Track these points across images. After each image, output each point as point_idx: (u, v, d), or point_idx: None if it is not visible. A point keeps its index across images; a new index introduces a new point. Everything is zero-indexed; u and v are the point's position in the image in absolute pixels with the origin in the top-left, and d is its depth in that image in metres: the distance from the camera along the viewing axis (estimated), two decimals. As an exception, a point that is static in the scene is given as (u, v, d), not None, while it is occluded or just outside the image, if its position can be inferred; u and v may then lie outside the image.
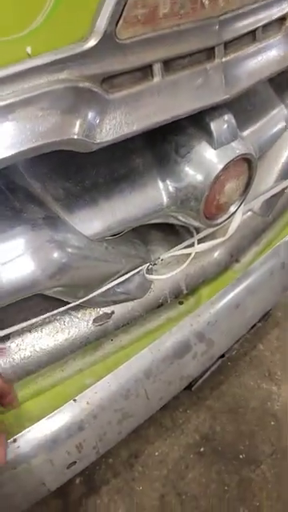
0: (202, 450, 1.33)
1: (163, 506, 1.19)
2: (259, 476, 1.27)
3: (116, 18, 0.45)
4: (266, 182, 0.96)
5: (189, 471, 1.28)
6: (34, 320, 0.63)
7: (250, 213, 0.94)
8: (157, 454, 1.31)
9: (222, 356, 0.88)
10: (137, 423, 0.72)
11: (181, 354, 0.74)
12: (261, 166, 0.95)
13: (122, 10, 0.44)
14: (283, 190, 0.96)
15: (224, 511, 1.19)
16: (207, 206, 0.68)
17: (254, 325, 0.95)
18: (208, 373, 0.87)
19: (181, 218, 0.72)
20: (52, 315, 0.64)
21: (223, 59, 0.58)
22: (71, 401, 0.60)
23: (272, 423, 1.41)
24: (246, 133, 0.79)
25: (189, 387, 0.83)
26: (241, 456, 1.32)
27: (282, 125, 0.86)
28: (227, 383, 1.52)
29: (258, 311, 0.91)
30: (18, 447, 0.56)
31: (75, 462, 0.62)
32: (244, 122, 0.79)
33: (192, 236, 0.81)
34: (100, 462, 1.26)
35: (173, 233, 0.85)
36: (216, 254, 0.87)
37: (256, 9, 0.58)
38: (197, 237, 0.79)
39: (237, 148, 0.66)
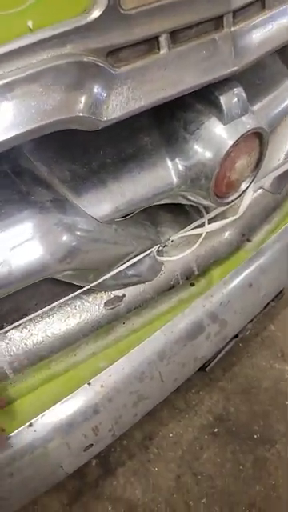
0: (216, 430, 1.33)
1: (179, 486, 1.20)
2: (274, 455, 1.28)
3: (119, -14, 0.43)
4: (277, 158, 0.94)
5: (204, 452, 1.28)
6: (46, 308, 0.63)
7: (260, 190, 0.92)
8: (171, 435, 1.32)
9: (236, 336, 0.87)
10: (152, 405, 0.72)
11: (194, 336, 0.73)
12: (270, 142, 0.92)
13: (126, -23, 0.42)
14: (294, 166, 0.93)
15: (240, 490, 1.20)
16: (218, 183, 0.66)
17: (267, 304, 0.94)
18: (222, 353, 0.87)
19: (191, 197, 0.71)
20: (64, 300, 0.64)
21: (232, 29, 0.55)
22: (85, 384, 0.60)
23: (286, 403, 1.40)
24: (255, 108, 0.76)
25: (203, 368, 0.82)
26: (255, 436, 1.32)
27: (293, 98, 0.83)
28: (239, 364, 1.52)
29: (272, 290, 0.90)
30: (35, 431, 0.56)
31: (92, 445, 0.62)
32: (253, 97, 0.77)
33: (202, 216, 0.79)
34: (115, 444, 1.27)
35: (182, 213, 0.83)
36: (227, 234, 0.86)
37: (265, -27, 0.55)
38: (207, 217, 0.78)
39: (247, 122, 0.64)
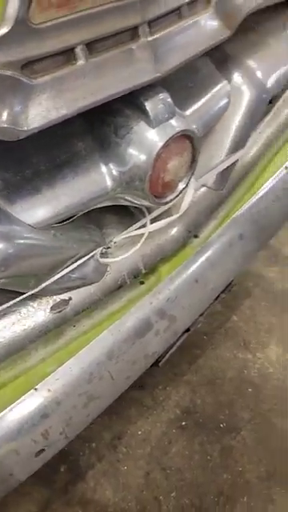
0: (183, 423, 1.36)
1: (148, 482, 1.22)
2: (240, 442, 1.32)
3: (26, 2, 0.44)
4: (218, 155, 0.97)
5: (172, 446, 1.31)
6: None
7: (204, 188, 0.95)
8: (140, 433, 1.34)
9: (188, 330, 0.90)
10: (106, 404, 0.73)
11: (142, 333, 0.75)
12: (211, 140, 0.96)
13: (32, -7, 0.44)
14: (234, 162, 0.97)
15: (208, 480, 1.23)
16: (152, 185, 0.68)
17: (218, 297, 0.97)
18: (174, 347, 0.89)
19: (130, 199, 0.73)
20: (7, 307, 0.64)
21: (149, 38, 0.57)
22: (32, 390, 0.61)
23: (249, 390, 1.45)
24: (188, 110, 0.79)
25: (156, 363, 0.84)
26: (221, 425, 1.37)
27: (225, 101, 0.86)
28: (204, 356, 1.56)
29: (220, 283, 0.93)
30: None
31: (43, 450, 0.63)
32: (186, 100, 0.79)
33: (145, 217, 0.81)
34: (83, 447, 1.28)
35: (128, 214, 0.85)
36: (173, 232, 0.88)
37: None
38: (149, 217, 0.80)
39: (175, 125, 0.67)
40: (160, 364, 0.85)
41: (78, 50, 0.51)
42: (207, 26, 0.67)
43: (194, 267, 0.86)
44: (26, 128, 0.49)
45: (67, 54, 0.51)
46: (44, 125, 0.50)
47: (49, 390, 0.62)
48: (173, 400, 1.41)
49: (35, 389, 0.61)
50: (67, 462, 1.23)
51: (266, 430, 1.35)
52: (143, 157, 0.65)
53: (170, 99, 0.65)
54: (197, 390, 1.45)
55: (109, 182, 0.67)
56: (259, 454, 1.29)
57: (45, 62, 0.49)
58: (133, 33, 0.56)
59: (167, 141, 0.65)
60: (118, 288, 0.80)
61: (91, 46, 0.52)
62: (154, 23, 0.57)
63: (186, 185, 0.76)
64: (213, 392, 1.44)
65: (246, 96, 0.94)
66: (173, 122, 0.67)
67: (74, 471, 1.22)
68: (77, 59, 0.51)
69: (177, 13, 0.61)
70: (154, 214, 0.82)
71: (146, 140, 0.65)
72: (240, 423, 1.36)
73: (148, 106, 0.63)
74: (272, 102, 1.13)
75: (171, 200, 0.75)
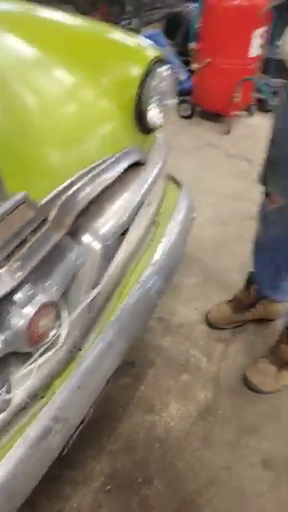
0: (108, 488, 1.69)
1: None
2: (153, 490, 1.67)
3: None
4: (84, 291, 1.38)
5: (102, 509, 1.63)
6: None
7: (78, 314, 1.35)
8: (75, 505, 1.64)
9: (82, 422, 1.26)
10: (25, 495, 1.06)
11: (44, 436, 1.10)
12: (78, 280, 1.38)
13: None
14: (96, 295, 1.39)
15: (132, 528, 1.56)
16: (30, 339, 1.07)
17: (101, 392, 1.35)
18: (74, 436, 1.25)
19: (19, 349, 1.10)
20: None
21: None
22: None
23: (157, 445, 1.82)
24: (51, 278, 1.20)
25: (61, 452, 1.19)
26: (138, 480, 1.71)
27: (80, 260, 1.28)
28: (121, 427, 1.91)
29: (98, 385, 1.31)
30: None
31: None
32: (49, 271, 1.20)
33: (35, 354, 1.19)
34: (30, 530, 1.55)
35: (26, 354, 1.22)
36: (59, 355, 1.26)
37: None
38: (37, 354, 1.17)
39: (39, 299, 1.06)
40: (64, 452, 1.20)
41: None
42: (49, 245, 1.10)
43: (76, 377, 1.24)
44: None
45: None
46: None
47: (-20, 496, 0.95)
48: (97, 470, 1.74)
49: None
50: None
51: (173, 474, 1.71)
52: (20, 324, 1.04)
53: (31, 288, 1.06)
54: (117, 456, 1.79)
55: (1, 345, 1.05)
56: (169, 494, 1.64)
57: None
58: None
59: (35, 311, 1.05)
60: (22, 409, 1.15)
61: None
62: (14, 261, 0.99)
63: (57, 331, 1.16)
64: (129, 455, 1.79)
65: (96, 247, 1.38)
66: (38, 297, 1.07)
67: None
68: None
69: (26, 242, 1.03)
70: (41, 349, 1.20)
71: (20, 315, 1.04)
72: (152, 474, 1.71)
73: (16, 297, 1.03)
74: (124, 233, 1.60)
75: (47, 342, 1.15)
